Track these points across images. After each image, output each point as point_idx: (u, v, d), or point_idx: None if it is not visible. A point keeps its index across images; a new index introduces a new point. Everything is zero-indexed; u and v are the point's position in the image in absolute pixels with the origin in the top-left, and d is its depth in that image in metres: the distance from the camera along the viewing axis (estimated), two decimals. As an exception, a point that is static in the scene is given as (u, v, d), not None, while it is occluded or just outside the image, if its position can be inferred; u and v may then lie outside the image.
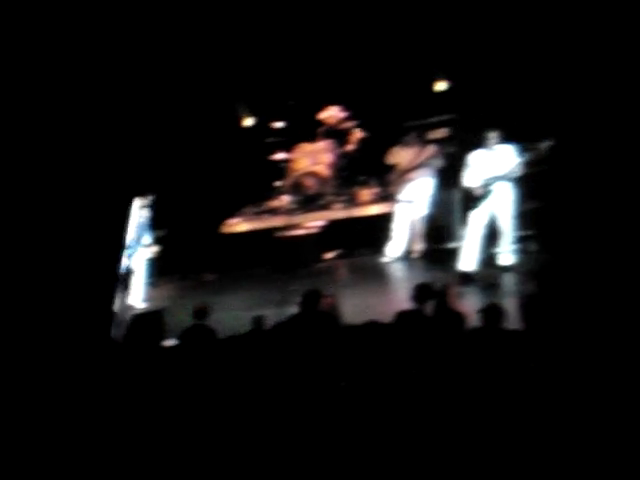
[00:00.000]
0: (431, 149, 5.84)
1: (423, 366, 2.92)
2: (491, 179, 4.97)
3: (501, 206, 4.96)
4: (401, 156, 5.94)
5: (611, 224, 4.07)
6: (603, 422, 2.14)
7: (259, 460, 2.16)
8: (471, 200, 5.06)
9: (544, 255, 4.94)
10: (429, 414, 2.33)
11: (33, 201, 3.48)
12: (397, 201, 5.88)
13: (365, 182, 6.53)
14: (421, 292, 3.75)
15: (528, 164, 4.85)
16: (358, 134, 6.60)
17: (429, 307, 3.68)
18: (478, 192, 4.98)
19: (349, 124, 6.63)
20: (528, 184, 5.02)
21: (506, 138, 5.06)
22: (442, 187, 5.67)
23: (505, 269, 4.98)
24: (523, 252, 5.12)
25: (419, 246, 5.71)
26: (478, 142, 5.15)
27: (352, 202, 6.43)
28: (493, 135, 5.04)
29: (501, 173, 4.93)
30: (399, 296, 4.74)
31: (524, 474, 2.07)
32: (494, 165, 5.05)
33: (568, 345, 2.84)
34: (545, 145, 4.73)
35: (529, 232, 5.21)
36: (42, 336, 3.12)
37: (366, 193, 6.45)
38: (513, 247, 5.00)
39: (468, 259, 5.02)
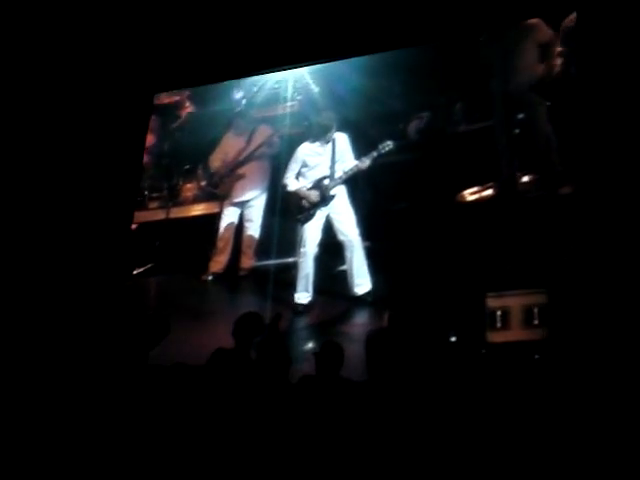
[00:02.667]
0: (264, 132, 4.98)
1: (237, 424, 2.58)
2: (323, 183, 4.45)
3: (342, 216, 4.35)
4: (229, 144, 5.04)
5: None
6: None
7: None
8: (300, 208, 4.48)
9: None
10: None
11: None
12: (224, 202, 4.90)
13: (191, 173, 5.10)
14: (246, 325, 3.19)
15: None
16: (188, 108, 5.29)
17: (255, 345, 3.12)
18: (311, 198, 4.44)
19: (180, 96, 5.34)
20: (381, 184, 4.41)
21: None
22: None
23: (353, 298, 4.14)
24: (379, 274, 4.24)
25: (249, 262, 4.64)
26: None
27: (173, 199, 5.08)
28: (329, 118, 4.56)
29: (338, 175, 4.42)
30: (218, 329, 3.99)
31: None
32: (329, 164, 4.51)
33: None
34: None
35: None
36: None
37: (190, 187, 5.09)
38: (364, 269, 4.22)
39: (304, 285, 4.31)
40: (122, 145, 4.41)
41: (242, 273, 4.61)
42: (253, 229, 4.70)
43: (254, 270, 4.58)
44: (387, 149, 4.35)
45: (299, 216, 4.45)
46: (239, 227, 4.77)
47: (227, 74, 4.90)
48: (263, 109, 5.04)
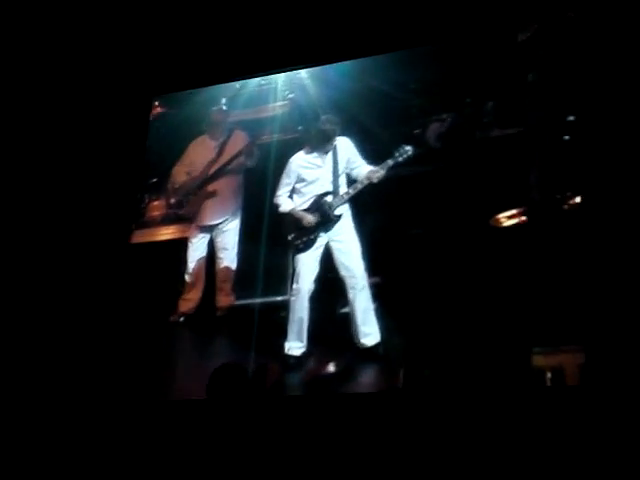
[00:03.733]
0: (239, 140, 4.09)
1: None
2: (325, 200, 3.59)
3: (345, 245, 3.49)
4: (197, 154, 4.15)
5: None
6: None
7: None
8: (296, 233, 3.60)
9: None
10: None
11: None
12: (192, 226, 4.00)
13: (158, 187, 4.18)
14: (223, 380, 2.69)
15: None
16: (157, 108, 4.40)
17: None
18: (310, 220, 3.57)
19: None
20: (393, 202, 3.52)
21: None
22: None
23: (359, 351, 3.23)
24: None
25: (227, 300, 3.73)
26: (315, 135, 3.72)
27: (136, 220, 4.10)
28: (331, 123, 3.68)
29: (343, 191, 3.57)
30: (189, 384, 3.35)
31: None
32: (330, 177, 3.63)
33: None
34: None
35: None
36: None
37: (158, 205, 4.18)
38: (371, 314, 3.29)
39: (296, 331, 3.42)
40: (121, 149, 4.03)
41: (219, 314, 3.71)
42: (229, 259, 3.80)
43: (233, 310, 3.69)
44: (406, 156, 3.50)
45: (296, 242, 3.59)
46: (211, 257, 3.88)
47: (229, 75, 4.21)
48: (246, 110, 4.15)
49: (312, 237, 3.58)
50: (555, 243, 3.02)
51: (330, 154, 3.70)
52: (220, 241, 3.87)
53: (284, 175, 3.78)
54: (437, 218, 3.35)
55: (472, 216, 3.26)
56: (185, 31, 4.06)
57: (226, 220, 3.89)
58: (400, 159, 3.51)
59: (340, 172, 3.65)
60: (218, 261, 3.84)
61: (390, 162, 3.52)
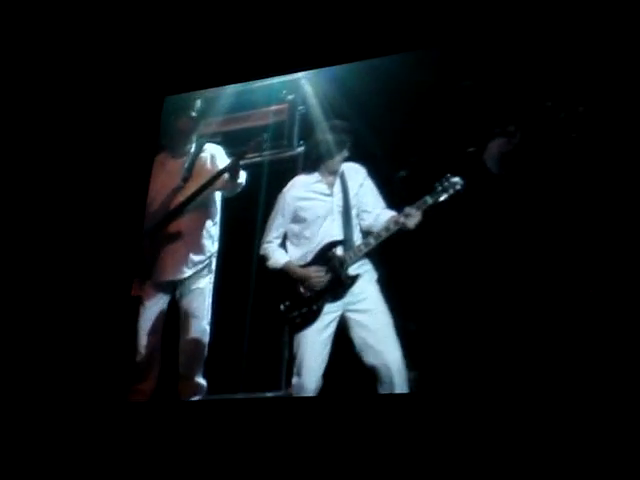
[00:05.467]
0: (215, 159, 2.99)
1: None
2: (334, 254, 2.50)
3: (372, 319, 2.40)
4: (155, 178, 3.04)
5: None
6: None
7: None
8: (293, 300, 2.52)
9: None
10: None
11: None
12: (146, 283, 2.85)
13: None
14: None
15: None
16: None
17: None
18: (314, 283, 2.49)
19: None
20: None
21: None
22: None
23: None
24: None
25: (192, 391, 2.59)
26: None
27: None
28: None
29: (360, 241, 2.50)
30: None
31: None
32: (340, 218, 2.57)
33: None
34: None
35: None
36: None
37: None
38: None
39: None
40: (132, 150, 3.37)
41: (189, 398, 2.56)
42: (197, 331, 2.67)
43: (204, 406, 2.53)
44: (452, 192, 2.42)
45: (291, 315, 2.49)
46: (171, 328, 2.73)
47: (242, 76, 3.20)
48: (227, 117, 3.03)
49: (315, 308, 2.48)
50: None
51: (338, 182, 2.63)
52: (185, 304, 2.74)
53: (275, 212, 2.70)
54: (506, 277, 2.24)
55: (554, 270, 2.16)
56: (198, 30, 3.39)
57: (195, 274, 2.76)
58: (445, 196, 2.43)
59: (353, 210, 2.58)
60: (183, 334, 2.68)
61: (429, 200, 2.44)
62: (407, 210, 2.46)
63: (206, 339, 2.66)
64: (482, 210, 2.39)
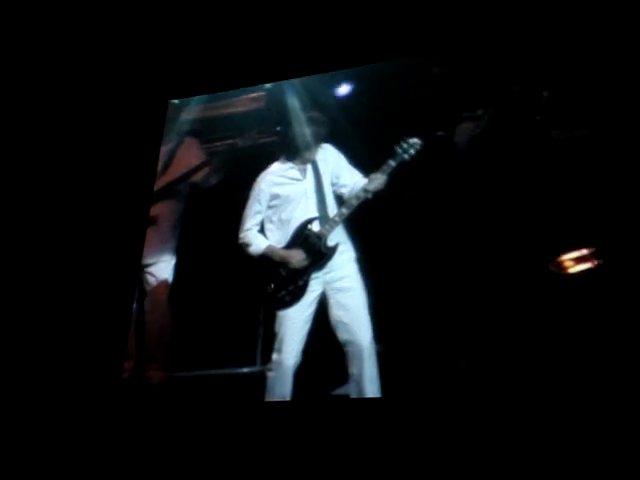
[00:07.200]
0: (192, 152, 3.10)
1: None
2: (311, 230, 2.60)
3: (347, 297, 2.49)
4: None
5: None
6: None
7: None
8: (275, 283, 2.60)
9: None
10: None
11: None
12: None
13: None
14: None
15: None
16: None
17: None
18: (295, 261, 2.58)
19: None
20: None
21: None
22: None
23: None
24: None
25: (158, 376, 2.66)
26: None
27: None
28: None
29: (334, 212, 2.60)
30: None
31: None
32: (314, 197, 2.68)
33: None
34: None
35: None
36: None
37: None
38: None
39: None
40: (136, 151, 3.40)
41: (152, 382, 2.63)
42: (161, 316, 2.74)
43: (171, 384, 2.60)
44: (413, 152, 2.56)
45: (280, 295, 2.56)
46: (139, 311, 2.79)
47: (246, 80, 3.26)
48: (210, 105, 3.12)
49: (301, 283, 2.56)
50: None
51: (309, 165, 2.73)
52: (149, 289, 2.82)
53: (251, 200, 2.77)
54: (472, 259, 2.35)
55: (522, 256, 2.27)
56: (200, 35, 3.43)
57: (162, 261, 2.83)
58: (406, 156, 2.56)
59: (326, 188, 2.68)
60: (147, 318, 2.75)
61: (392, 163, 2.58)
62: (372, 176, 2.59)
63: (169, 325, 2.73)
64: (453, 193, 2.49)
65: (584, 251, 2.21)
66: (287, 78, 3.01)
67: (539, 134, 2.43)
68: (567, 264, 2.24)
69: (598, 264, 2.18)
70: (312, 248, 2.60)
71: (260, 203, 2.76)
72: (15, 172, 3.29)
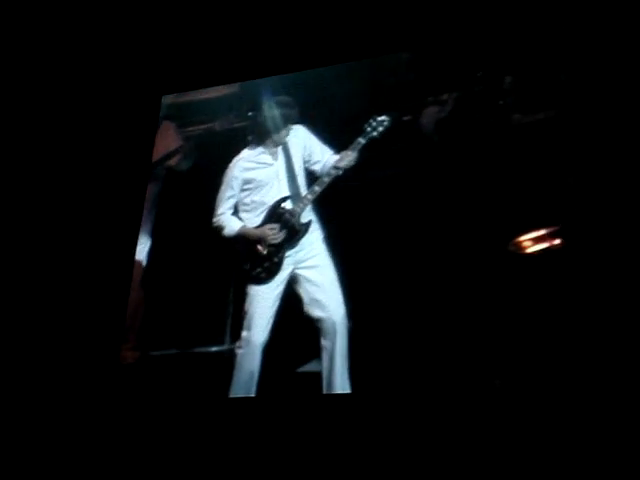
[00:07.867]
0: (169, 137, 3.14)
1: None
2: (284, 208, 2.68)
3: (318, 275, 2.56)
4: None
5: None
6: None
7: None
8: (250, 262, 2.66)
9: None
10: None
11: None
12: None
13: None
14: None
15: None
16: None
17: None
18: (270, 239, 2.64)
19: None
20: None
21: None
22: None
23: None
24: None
25: (130, 355, 2.72)
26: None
27: None
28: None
29: (306, 191, 2.68)
30: None
31: None
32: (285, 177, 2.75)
33: None
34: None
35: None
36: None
37: None
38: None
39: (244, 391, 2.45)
40: (130, 148, 3.43)
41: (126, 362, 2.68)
42: (134, 297, 2.80)
43: (144, 363, 2.68)
44: (382, 129, 2.65)
45: (256, 272, 2.62)
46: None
47: (239, 75, 3.30)
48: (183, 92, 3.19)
49: (276, 260, 2.64)
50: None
51: (280, 148, 2.80)
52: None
53: (224, 185, 2.83)
54: (436, 239, 2.42)
55: (483, 236, 2.36)
56: (195, 29, 3.45)
57: (138, 243, 2.89)
58: (375, 134, 2.65)
59: (297, 169, 2.75)
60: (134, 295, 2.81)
61: (362, 140, 2.66)
62: (343, 153, 2.67)
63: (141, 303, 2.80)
64: (418, 174, 2.57)
65: (542, 231, 2.31)
66: (279, 73, 3.04)
67: (501, 118, 2.52)
68: (526, 244, 2.34)
69: (557, 244, 2.29)
70: (286, 225, 2.67)
71: (233, 188, 2.81)
72: (8, 165, 3.30)
